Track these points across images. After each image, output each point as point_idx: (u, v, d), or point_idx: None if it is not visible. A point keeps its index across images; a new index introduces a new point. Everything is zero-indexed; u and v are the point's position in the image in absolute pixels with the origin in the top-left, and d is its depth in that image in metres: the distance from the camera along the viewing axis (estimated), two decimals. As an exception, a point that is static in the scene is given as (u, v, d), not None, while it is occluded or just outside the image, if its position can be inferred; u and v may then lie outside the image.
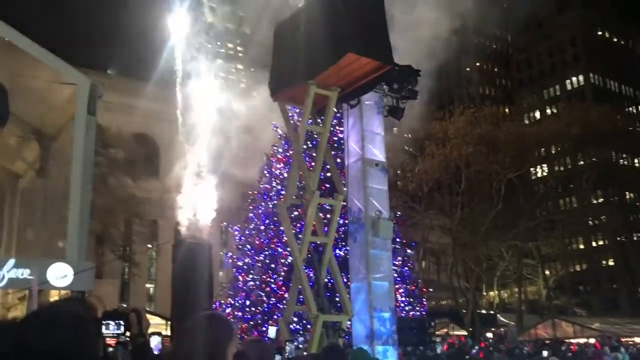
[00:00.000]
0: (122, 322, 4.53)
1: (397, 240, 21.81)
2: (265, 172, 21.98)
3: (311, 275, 13.33)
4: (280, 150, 21.70)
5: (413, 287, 23.11)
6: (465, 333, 35.76)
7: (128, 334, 4.39)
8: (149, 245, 37.64)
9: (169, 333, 19.42)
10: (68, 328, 1.75)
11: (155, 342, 6.68)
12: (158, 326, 24.84)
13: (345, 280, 13.76)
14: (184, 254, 14.50)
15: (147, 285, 42.76)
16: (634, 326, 38.87)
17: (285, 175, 18.62)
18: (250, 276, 19.92)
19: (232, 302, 20.20)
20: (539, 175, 61.20)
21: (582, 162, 55.74)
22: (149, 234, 36.70)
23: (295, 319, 16.03)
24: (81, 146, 9.87)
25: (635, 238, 67.95)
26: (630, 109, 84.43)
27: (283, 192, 16.52)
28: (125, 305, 37.05)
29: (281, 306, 17.72)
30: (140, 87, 45.75)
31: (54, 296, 10.69)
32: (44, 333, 1.70)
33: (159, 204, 41.57)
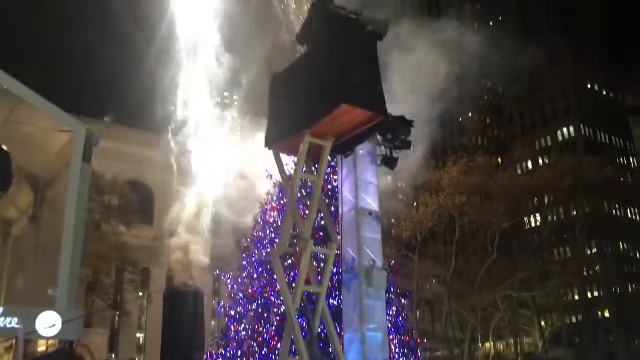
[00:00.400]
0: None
1: (391, 289, 21.62)
2: (259, 219, 21.93)
3: (304, 325, 13.15)
4: (275, 198, 21.72)
5: (407, 338, 22.76)
6: (461, 386, 35.06)
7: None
8: (140, 294, 37.16)
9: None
10: None
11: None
12: (147, 377, 24.28)
13: (338, 330, 13.57)
14: (175, 302, 14.32)
15: (138, 335, 41.98)
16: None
17: (279, 223, 18.58)
18: (243, 326, 19.60)
19: (224, 352, 19.82)
20: (532, 225, 61.30)
21: (575, 213, 56.03)
22: (140, 282, 36.27)
23: (288, 371, 15.71)
24: (75, 193, 9.88)
25: (630, 290, 67.59)
26: (621, 160, 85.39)
27: (277, 241, 16.46)
28: (113, 356, 36.31)
29: (274, 357, 17.39)
30: (135, 135, 46.20)
31: (42, 346, 10.48)
32: None
33: (151, 252, 41.31)
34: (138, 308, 39.96)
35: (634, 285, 68.01)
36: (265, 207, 21.86)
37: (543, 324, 52.33)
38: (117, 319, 39.40)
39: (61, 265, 9.51)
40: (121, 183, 34.38)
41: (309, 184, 17.43)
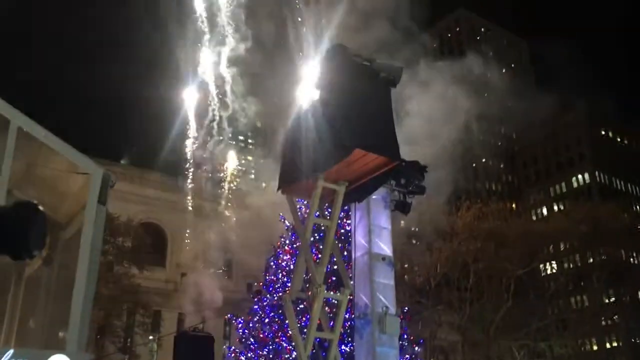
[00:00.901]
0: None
1: (405, 336, 21.28)
2: (272, 263, 21.87)
3: (316, 372, 12.93)
4: (287, 242, 21.70)
5: (421, 388, 22.27)
6: None
7: None
8: (151, 337, 36.82)
9: None
10: None
11: None
12: None
13: (350, 378, 13.32)
14: (185, 346, 14.20)
15: (147, 380, 41.40)
16: None
17: (292, 267, 18.50)
18: (253, 372, 19.33)
19: (233, 399, 19.49)
20: (548, 272, 60.32)
21: (591, 260, 55.18)
22: (151, 325, 35.99)
23: (298, 420, 15.38)
24: (90, 236, 9.93)
25: (650, 340, 65.80)
26: (637, 207, 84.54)
27: (289, 285, 16.35)
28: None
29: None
30: (151, 176, 46.64)
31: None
32: None
33: (163, 294, 41.12)
34: (148, 351, 39.54)
35: (654, 336, 66.23)
36: (278, 250, 21.84)
37: (561, 374, 50.90)
38: (126, 362, 38.96)
39: (73, 307, 9.48)
40: (135, 225, 34.51)
41: (322, 228, 17.41)
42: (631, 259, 68.87)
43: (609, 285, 56.31)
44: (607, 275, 49.38)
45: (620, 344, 67.21)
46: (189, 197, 44.11)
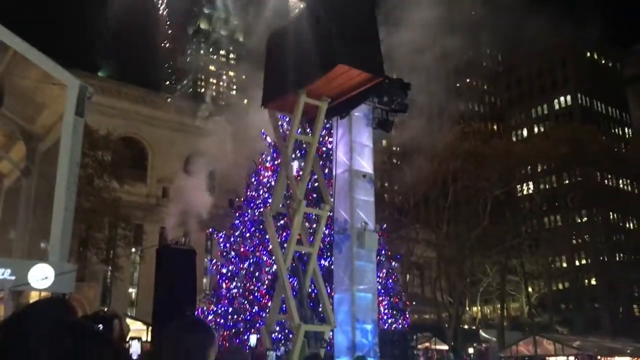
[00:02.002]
0: (100, 327, 4.50)
1: (382, 252, 21.85)
2: (253, 179, 21.96)
3: (295, 284, 13.30)
4: (269, 158, 21.70)
5: (397, 300, 23.12)
6: (447, 348, 35.78)
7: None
8: (133, 250, 37.38)
9: (149, 338, 19.25)
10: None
11: (134, 348, 6.63)
12: (139, 331, 24.64)
13: (329, 290, 13.74)
14: (167, 259, 14.43)
15: (130, 290, 42.43)
16: (613, 346, 39.13)
17: (273, 183, 18.61)
18: (234, 284, 19.83)
19: (215, 309, 20.09)
20: (525, 192, 61.65)
21: (567, 182, 56.40)
22: (133, 238, 36.44)
23: (278, 328, 15.97)
24: (68, 147, 9.80)
25: (617, 258, 68.54)
26: (616, 130, 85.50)
27: (270, 201, 16.51)
28: (105, 309, 36.70)
29: (264, 315, 17.64)
30: (130, 91, 45.77)
31: (34, 297, 10.57)
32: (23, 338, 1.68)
33: (144, 208, 41.41)
34: (130, 264, 40.28)
35: (621, 254, 68.97)
36: (259, 167, 21.87)
37: (530, 289, 53.14)
38: (109, 274, 39.74)
39: (54, 218, 9.50)
40: (114, 139, 34.13)
41: (304, 145, 17.40)
42: (606, 181, 70.49)
43: (582, 206, 57.89)
44: (582, 196, 50.62)
45: (589, 261, 69.95)
46: (169, 112, 43.58)
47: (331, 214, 13.41)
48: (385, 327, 19.47)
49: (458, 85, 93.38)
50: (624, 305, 69.72)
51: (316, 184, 16.29)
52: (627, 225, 72.31)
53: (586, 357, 25.82)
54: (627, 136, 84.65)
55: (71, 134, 9.87)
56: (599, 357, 33.97)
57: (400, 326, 21.52)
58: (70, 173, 9.66)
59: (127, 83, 48.72)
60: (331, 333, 12.96)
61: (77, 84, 10.58)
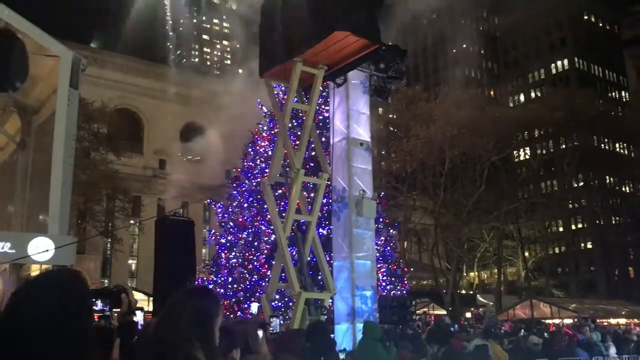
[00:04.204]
0: (108, 301, 4.52)
1: (380, 220, 21.97)
2: (250, 150, 21.91)
3: (294, 253, 13.39)
4: (265, 128, 21.62)
5: (395, 267, 23.35)
6: (444, 312, 36.26)
7: (116, 310, 4.41)
8: (132, 222, 37.48)
9: (150, 309, 19.43)
10: (71, 294, 1.76)
11: (139, 317, 6.70)
12: (140, 302, 24.87)
13: (328, 258, 13.84)
14: (166, 230, 14.46)
15: (130, 262, 42.69)
16: (609, 308, 39.69)
17: (270, 153, 18.57)
18: (233, 253, 19.96)
19: (215, 279, 20.26)
20: (521, 158, 61.71)
21: (564, 146, 56.31)
22: (131, 210, 36.51)
23: (277, 297, 16.13)
24: (63, 119, 9.74)
25: (613, 222, 69.05)
26: (613, 94, 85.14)
27: (267, 170, 16.49)
28: (106, 284, 37.02)
29: (263, 284, 17.81)
30: (124, 61, 45.28)
31: (35, 270, 10.63)
32: (44, 296, 1.70)
33: (142, 180, 41.39)
34: (130, 236, 40.43)
35: (617, 218, 69.45)
36: (256, 137, 21.80)
37: (527, 254, 53.60)
38: (109, 246, 39.92)
39: (52, 191, 9.48)
40: (110, 111, 33.90)
41: (300, 114, 17.31)
42: (602, 145, 70.50)
43: (578, 171, 58.00)
44: (578, 160, 50.67)
45: (586, 225, 70.43)
46: (165, 82, 43.23)
47: (329, 182, 13.43)
48: (384, 294, 19.69)
49: (454, 50, 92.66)
50: (620, 268, 70.53)
51: (313, 153, 16.27)
52: (623, 189, 72.64)
53: (582, 320, 26.21)
54: (624, 99, 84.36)
55: (66, 106, 9.79)
56: (594, 319, 34.47)
57: (398, 292, 21.78)
58: (66, 146, 9.61)
59: (121, 54, 48.19)
60: (331, 300, 13.10)
61: (71, 55, 10.45)
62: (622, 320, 35.36)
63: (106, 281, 38.60)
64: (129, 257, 42.06)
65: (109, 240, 37.89)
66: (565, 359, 12.90)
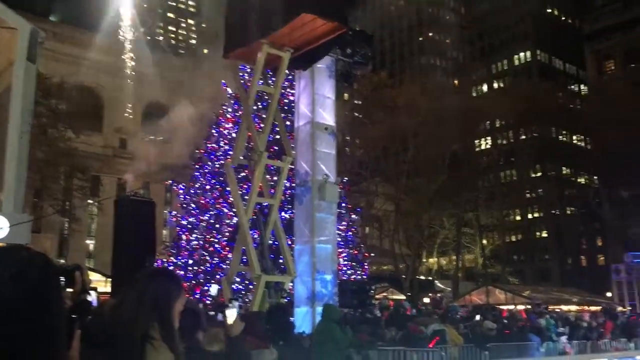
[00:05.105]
0: (62, 279, 4.43)
1: (343, 205, 22.05)
2: (214, 131, 21.65)
3: (256, 236, 13.35)
4: (230, 110, 21.39)
5: (356, 252, 23.52)
6: (404, 297, 36.82)
7: (69, 290, 4.32)
8: (90, 201, 36.77)
9: (107, 289, 19.16)
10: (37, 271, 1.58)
11: (92, 297, 6.58)
12: (97, 283, 24.49)
13: (289, 242, 13.86)
14: (126, 210, 14.26)
15: (87, 241, 41.93)
16: (561, 295, 40.97)
17: (234, 135, 18.41)
18: (194, 235, 19.78)
19: (175, 260, 20.06)
20: (483, 147, 62.73)
21: (524, 137, 57.50)
22: (90, 189, 35.78)
23: (238, 279, 16.09)
24: (20, 94, 9.43)
25: (568, 212, 71.01)
26: (573, 87, 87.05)
27: (231, 152, 16.35)
28: (63, 261, 36.31)
29: (224, 266, 17.72)
30: (85, 37, 44.07)
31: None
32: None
33: (101, 159, 40.58)
34: (88, 215, 39.68)
35: (572, 208, 71.45)
36: (220, 119, 21.55)
37: (484, 242, 54.75)
38: (66, 225, 39.11)
39: (7, 168, 9.20)
40: (69, 87, 33.00)
41: (265, 97, 17.18)
42: (560, 137, 72.22)
43: (537, 161, 59.37)
44: (537, 151, 51.82)
45: (542, 215, 72.26)
46: (127, 60, 42.31)
47: (292, 166, 13.40)
48: (345, 278, 19.84)
49: (421, 39, 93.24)
50: (573, 257, 72.74)
51: (278, 136, 16.19)
52: (579, 180, 74.67)
53: (535, 306, 27.05)
54: (582, 93, 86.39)
55: (22, 80, 9.48)
56: (546, 306, 35.54)
57: (359, 277, 21.97)
58: (22, 121, 9.32)
59: (82, 28, 46.88)
60: (291, 283, 13.14)
61: (29, 27, 10.10)
62: (574, 307, 36.55)
63: (62, 261, 37.86)
64: (86, 237, 41.32)
65: (67, 219, 37.13)
66: (518, 344, 13.29)
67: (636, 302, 26.31)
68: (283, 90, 18.28)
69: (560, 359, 14.11)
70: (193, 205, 20.47)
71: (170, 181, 26.82)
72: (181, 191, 21.86)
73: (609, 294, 41.55)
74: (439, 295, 41.31)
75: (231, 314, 3.97)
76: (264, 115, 15.54)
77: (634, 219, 50.49)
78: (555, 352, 14.38)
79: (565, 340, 15.20)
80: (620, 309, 25.47)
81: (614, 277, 26.92)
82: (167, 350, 2.31)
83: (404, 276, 41.19)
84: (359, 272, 22.46)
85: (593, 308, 33.34)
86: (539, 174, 67.32)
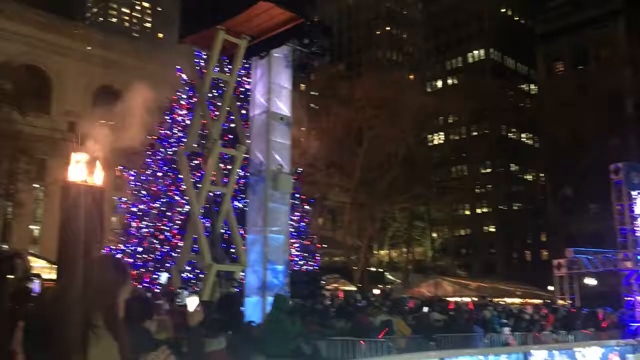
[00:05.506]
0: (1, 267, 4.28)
1: (297, 195, 22.06)
2: (167, 117, 21.27)
3: (208, 225, 13.22)
4: (184, 96, 21.05)
5: (308, 243, 23.57)
6: (354, 288, 37.17)
7: (10, 277, 4.18)
8: (36, 185, 35.59)
9: (52, 276, 18.66)
10: None
11: (35, 285, 6.40)
12: (42, 269, 23.81)
13: (242, 232, 13.77)
14: (72, 196, 13.87)
15: (32, 227, 40.65)
16: (506, 288, 42.21)
17: (188, 122, 18.13)
18: (144, 223, 19.44)
19: (124, 248, 19.68)
20: (435, 142, 63.79)
21: (475, 133, 58.80)
22: (36, 173, 34.63)
23: (189, 268, 15.92)
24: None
25: (515, 208, 73.07)
26: (523, 86, 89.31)
27: (184, 139, 16.11)
28: (5, 247, 35.11)
29: (175, 255, 17.49)
30: (34, 15, 42.50)
31: None
32: None
33: (49, 142, 39.29)
34: (33, 200, 38.44)
35: (518, 204, 73.52)
36: (174, 105, 21.19)
37: (434, 235, 55.80)
38: (9, 210, 37.77)
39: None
40: (15, 66, 31.81)
41: (221, 84, 16.98)
42: (509, 134, 74.10)
43: (486, 157, 60.82)
44: (487, 148, 53.07)
45: (490, 210, 74.13)
46: (78, 41, 41.07)
47: (247, 155, 13.30)
48: (296, 268, 19.88)
49: (378, 33, 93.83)
50: (518, 252, 74.94)
51: (232, 125, 16.03)
52: (526, 177, 76.86)
53: (480, 298, 27.79)
54: (532, 92, 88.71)
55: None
56: (491, 299, 36.60)
57: (310, 268, 22.05)
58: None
59: (31, 6, 45.18)
60: (242, 273, 13.07)
61: (-28, 2, 9.68)
62: (517, 300, 37.72)
63: (5, 247, 36.61)
64: (31, 222, 40.04)
65: (10, 203, 35.87)
66: (463, 335, 13.63)
67: (576, 296, 27.32)
68: (239, 79, 18.10)
69: (502, 349, 14.53)
70: (144, 192, 20.10)
71: (121, 167, 26.23)
72: (132, 177, 21.43)
73: (551, 288, 43.06)
74: (388, 286, 41.91)
75: (192, 303, 3.93)
76: (219, 103, 15.35)
77: (577, 215, 52.37)
78: (499, 343, 14.81)
79: (508, 331, 15.66)
80: (560, 302, 26.41)
81: (555, 272, 27.85)
82: (110, 339, 2.26)
83: (355, 267, 41.58)
84: (310, 262, 22.54)
85: (535, 301, 34.51)
86: (488, 170, 68.94)
